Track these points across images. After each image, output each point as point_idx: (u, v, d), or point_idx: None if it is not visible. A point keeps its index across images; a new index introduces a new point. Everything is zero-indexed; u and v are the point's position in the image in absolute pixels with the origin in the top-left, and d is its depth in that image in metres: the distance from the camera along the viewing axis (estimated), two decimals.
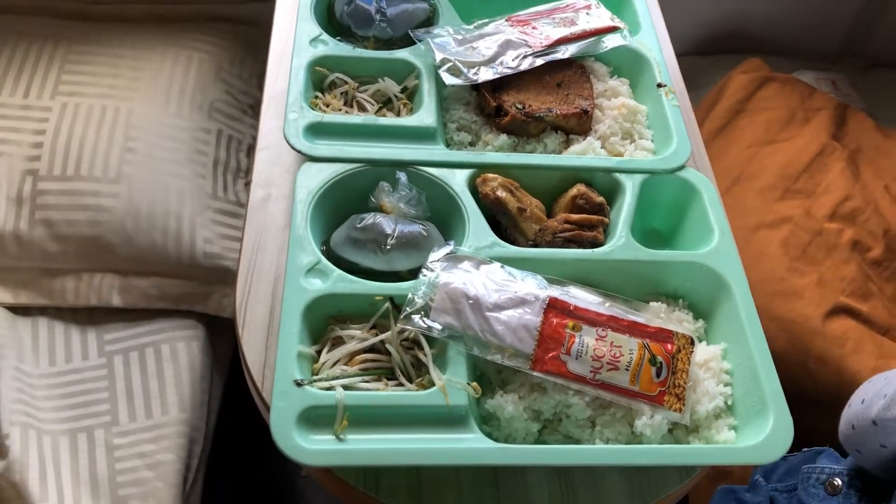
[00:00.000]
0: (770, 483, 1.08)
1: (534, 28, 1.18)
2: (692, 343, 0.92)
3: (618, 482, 0.90)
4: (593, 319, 0.92)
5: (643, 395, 0.88)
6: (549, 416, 0.90)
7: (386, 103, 1.14)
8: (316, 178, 1.02)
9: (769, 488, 1.07)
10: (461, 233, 1.01)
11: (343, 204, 1.03)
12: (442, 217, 1.04)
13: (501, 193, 1.02)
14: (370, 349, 0.91)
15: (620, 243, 1.01)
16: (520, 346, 0.89)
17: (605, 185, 1.08)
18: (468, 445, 0.83)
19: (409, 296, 0.91)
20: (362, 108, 1.13)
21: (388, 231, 0.98)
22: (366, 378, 0.89)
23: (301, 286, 0.92)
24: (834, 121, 1.66)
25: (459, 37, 1.16)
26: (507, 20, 1.20)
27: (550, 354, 0.89)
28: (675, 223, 1.11)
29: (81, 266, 1.41)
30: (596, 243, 1.02)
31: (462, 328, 0.90)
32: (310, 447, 0.81)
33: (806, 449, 1.06)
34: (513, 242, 1.01)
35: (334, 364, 0.89)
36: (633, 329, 0.92)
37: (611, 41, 1.19)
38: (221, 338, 1.47)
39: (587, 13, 1.22)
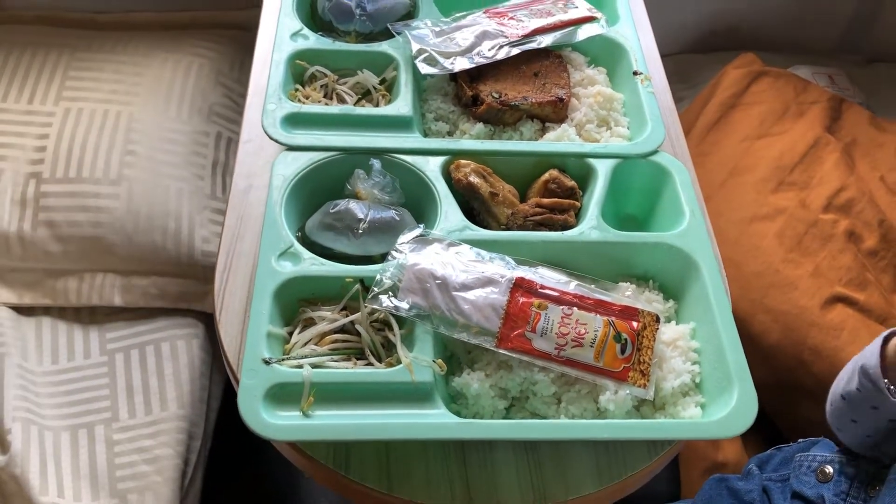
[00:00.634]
0: (764, 473, 1.07)
1: (511, 19, 1.19)
2: (657, 320, 0.93)
3: (585, 459, 0.91)
4: (559, 298, 0.92)
5: (607, 371, 0.89)
6: (516, 394, 0.91)
7: (365, 95, 1.16)
8: (292, 166, 1.04)
9: (763, 478, 1.06)
10: (434, 218, 1.02)
11: (320, 191, 1.05)
12: (416, 203, 1.05)
13: (474, 179, 1.03)
14: (341, 330, 0.93)
15: (590, 225, 1.01)
16: (486, 324, 0.90)
17: (578, 171, 1.09)
18: (432, 420, 0.85)
19: (378, 276, 0.93)
20: (342, 100, 1.15)
21: (361, 216, 1.00)
22: (335, 357, 0.91)
23: (273, 268, 0.94)
24: (829, 113, 1.64)
25: (437, 29, 1.18)
26: (484, 12, 1.22)
27: (516, 332, 0.90)
28: (649, 208, 1.11)
29: (83, 266, 1.43)
30: (567, 226, 1.03)
31: (429, 307, 0.91)
32: (275, 422, 0.83)
33: (801, 440, 1.06)
34: (486, 227, 1.03)
35: (305, 344, 0.91)
36: (599, 307, 0.93)
37: (587, 30, 1.20)
38: None
39: (564, 5, 1.24)
